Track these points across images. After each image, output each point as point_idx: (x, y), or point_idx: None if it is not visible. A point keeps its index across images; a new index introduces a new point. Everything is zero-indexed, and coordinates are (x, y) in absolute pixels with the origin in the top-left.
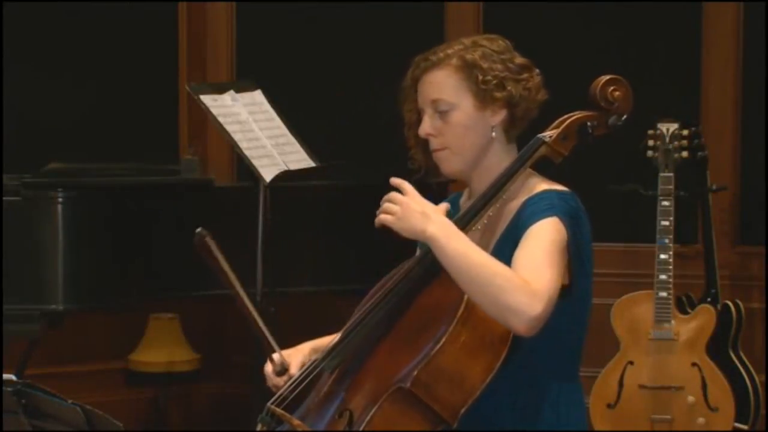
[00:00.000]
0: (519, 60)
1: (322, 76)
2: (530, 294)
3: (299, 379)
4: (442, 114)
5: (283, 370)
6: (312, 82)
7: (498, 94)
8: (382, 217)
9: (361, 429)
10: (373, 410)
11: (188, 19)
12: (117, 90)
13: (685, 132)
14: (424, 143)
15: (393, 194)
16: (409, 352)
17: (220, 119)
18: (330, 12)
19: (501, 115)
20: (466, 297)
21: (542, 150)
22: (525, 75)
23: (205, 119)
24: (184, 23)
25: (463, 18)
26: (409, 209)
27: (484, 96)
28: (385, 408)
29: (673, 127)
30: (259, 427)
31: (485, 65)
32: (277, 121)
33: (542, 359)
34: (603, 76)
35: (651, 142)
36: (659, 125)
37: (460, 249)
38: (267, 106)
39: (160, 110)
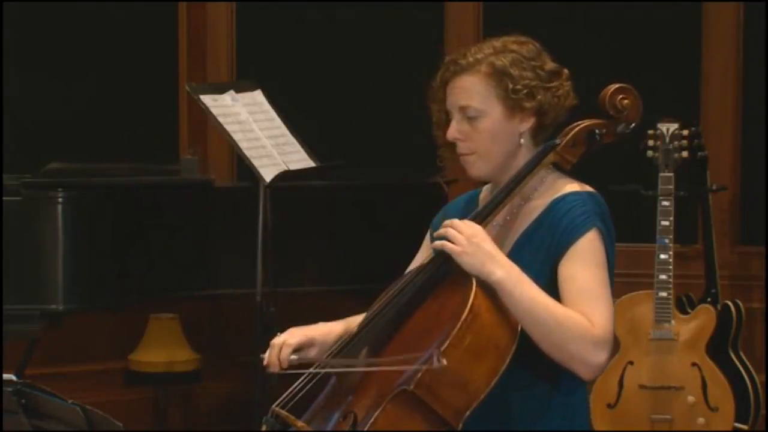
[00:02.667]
0: (549, 66)
1: (322, 77)
2: (593, 343)
3: (304, 382)
4: (471, 120)
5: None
6: (312, 82)
7: (527, 104)
8: (448, 246)
9: (364, 431)
10: (377, 412)
11: (188, 19)
12: (117, 90)
13: (685, 132)
14: (452, 144)
15: (457, 222)
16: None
17: (220, 119)
18: (330, 12)
19: (529, 123)
20: (470, 300)
21: (551, 157)
22: (555, 83)
23: (205, 119)
24: (184, 23)
25: (463, 18)
26: (477, 246)
27: (513, 105)
28: (389, 410)
29: (673, 127)
30: (263, 429)
31: (515, 73)
32: (277, 121)
33: (550, 361)
34: (612, 85)
35: (651, 142)
36: (659, 125)
37: (526, 295)
38: (267, 106)
39: (160, 110)
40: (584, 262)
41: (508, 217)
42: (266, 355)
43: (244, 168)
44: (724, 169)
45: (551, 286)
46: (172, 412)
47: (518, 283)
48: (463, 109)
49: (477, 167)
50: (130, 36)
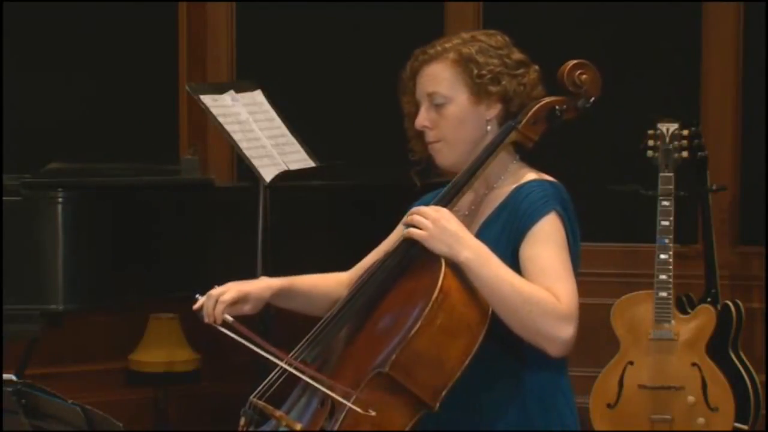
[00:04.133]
0: (516, 56)
1: (322, 77)
2: (559, 318)
3: (281, 371)
4: (438, 107)
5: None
6: (312, 82)
7: (493, 89)
8: (414, 232)
9: (342, 416)
10: (354, 397)
11: (188, 19)
12: (117, 90)
13: (685, 132)
14: (423, 135)
15: (423, 208)
16: (386, 337)
17: (220, 119)
18: (330, 12)
19: (496, 110)
20: (440, 280)
21: (513, 136)
22: (521, 70)
23: (205, 119)
24: (184, 23)
25: (463, 18)
26: (442, 228)
27: (479, 90)
28: (365, 394)
29: (673, 127)
30: (242, 422)
31: (481, 60)
32: (277, 121)
33: (526, 348)
34: (570, 61)
35: (651, 142)
36: (659, 125)
37: (493, 273)
38: (267, 106)
39: (160, 110)
40: (545, 243)
41: (473, 207)
42: (201, 303)
43: (244, 168)
44: (724, 169)
45: (515, 271)
46: (172, 412)
47: (485, 262)
48: (430, 96)
49: (443, 155)
50: (130, 36)
